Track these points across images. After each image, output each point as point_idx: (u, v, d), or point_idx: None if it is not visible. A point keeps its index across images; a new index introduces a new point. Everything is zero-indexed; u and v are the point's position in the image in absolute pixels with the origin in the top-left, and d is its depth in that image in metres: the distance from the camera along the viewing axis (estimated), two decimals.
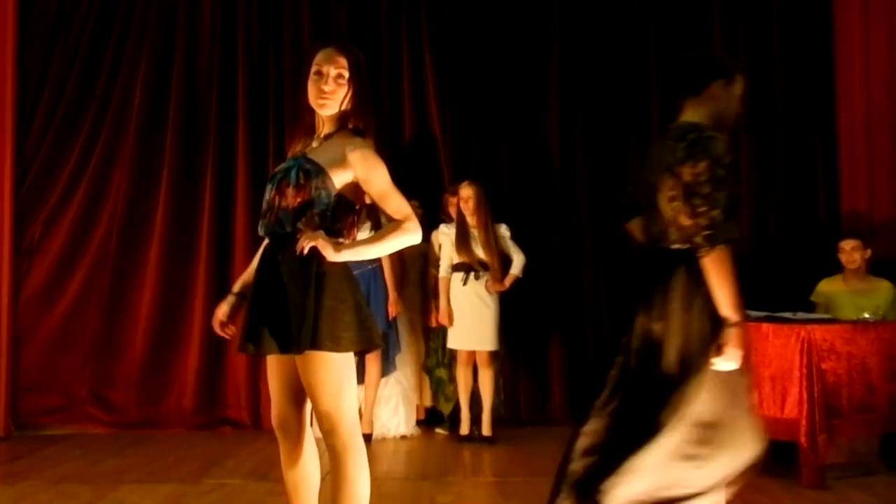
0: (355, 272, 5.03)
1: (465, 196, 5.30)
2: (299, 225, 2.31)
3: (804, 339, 4.01)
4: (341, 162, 2.33)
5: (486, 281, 5.24)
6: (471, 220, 5.31)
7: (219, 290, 5.90)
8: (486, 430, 5.24)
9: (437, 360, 5.58)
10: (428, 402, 5.77)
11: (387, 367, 5.36)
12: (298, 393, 2.43)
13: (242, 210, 5.96)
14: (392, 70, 6.19)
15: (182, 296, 5.91)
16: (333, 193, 2.33)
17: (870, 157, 5.81)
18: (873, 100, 5.80)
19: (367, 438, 5.12)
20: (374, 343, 2.41)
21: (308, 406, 2.47)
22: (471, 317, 5.21)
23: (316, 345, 2.25)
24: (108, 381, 5.86)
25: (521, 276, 5.35)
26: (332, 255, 2.26)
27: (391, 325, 5.34)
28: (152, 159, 5.99)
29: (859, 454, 4.20)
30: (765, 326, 4.30)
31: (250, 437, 5.51)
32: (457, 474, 4.42)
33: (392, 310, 5.29)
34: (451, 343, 5.29)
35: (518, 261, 5.35)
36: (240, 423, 5.82)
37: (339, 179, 2.34)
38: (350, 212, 2.38)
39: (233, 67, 6.05)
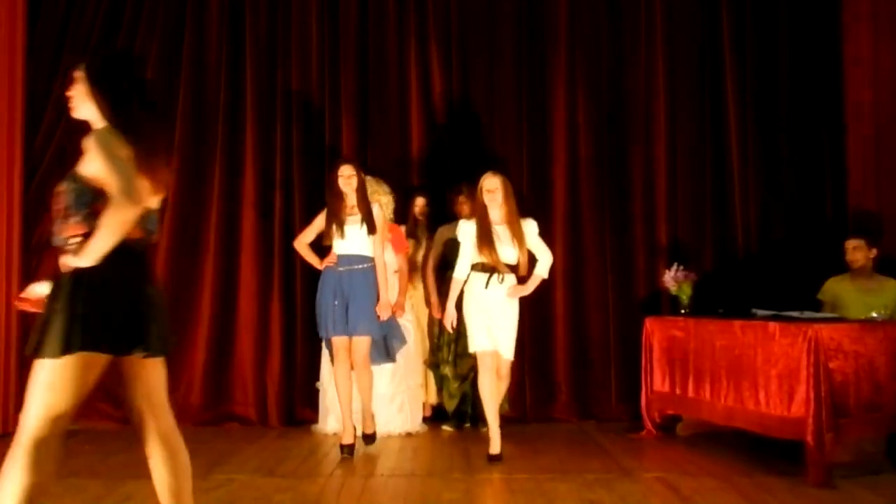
0: (341, 269, 4.98)
1: (491, 187, 4.68)
2: (54, 229, 2.54)
3: (811, 338, 4.00)
4: (84, 158, 2.57)
5: (509, 287, 4.71)
6: (496, 214, 4.70)
7: (226, 287, 5.94)
8: None
9: (441, 356, 5.55)
10: (434, 400, 5.77)
11: (379, 356, 4.98)
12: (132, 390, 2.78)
13: (250, 207, 5.98)
14: (399, 69, 6.19)
15: (189, 293, 5.93)
16: (86, 188, 2.55)
17: (878, 156, 5.78)
18: (882, 98, 5.76)
19: (371, 438, 5.02)
20: (80, 348, 2.53)
21: (161, 403, 2.73)
22: (491, 321, 4.66)
23: (32, 352, 2.45)
24: (117, 377, 5.86)
25: (546, 277, 4.83)
26: (78, 263, 2.43)
27: (386, 325, 4.93)
28: None
29: (866, 453, 4.18)
30: (772, 325, 4.30)
31: (257, 433, 5.54)
32: (463, 471, 4.42)
33: (382, 313, 4.85)
34: (473, 347, 4.72)
35: (544, 260, 4.78)
36: (247, 420, 5.85)
37: (89, 173, 2.56)
38: (98, 198, 2.52)
39: (241, 64, 6.07)
